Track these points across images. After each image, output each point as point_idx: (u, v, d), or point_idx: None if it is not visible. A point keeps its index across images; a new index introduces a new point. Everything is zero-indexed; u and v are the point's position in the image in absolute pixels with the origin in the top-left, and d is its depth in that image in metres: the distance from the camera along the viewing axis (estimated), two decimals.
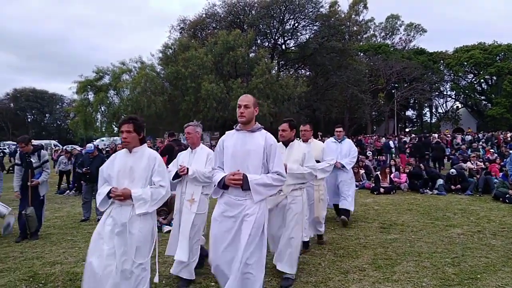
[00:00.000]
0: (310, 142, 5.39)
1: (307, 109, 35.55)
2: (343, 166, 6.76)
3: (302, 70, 41.23)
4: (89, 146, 8.91)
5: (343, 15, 41.15)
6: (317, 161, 5.02)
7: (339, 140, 7.05)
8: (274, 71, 32.28)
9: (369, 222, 7.16)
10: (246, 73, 29.39)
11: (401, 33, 50.70)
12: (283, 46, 38.59)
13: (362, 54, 44.86)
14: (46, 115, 73.89)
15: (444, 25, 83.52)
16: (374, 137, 25.12)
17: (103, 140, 34.86)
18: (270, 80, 28.37)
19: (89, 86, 33.42)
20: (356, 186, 12.11)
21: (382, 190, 10.99)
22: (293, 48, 39.19)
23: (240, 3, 35.57)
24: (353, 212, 7.38)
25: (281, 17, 35.23)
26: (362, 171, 12.82)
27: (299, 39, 37.66)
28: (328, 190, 6.33)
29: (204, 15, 36.99)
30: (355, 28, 44.65)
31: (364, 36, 50.02)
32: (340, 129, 7.13)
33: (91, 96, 33.89)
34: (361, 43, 47.04)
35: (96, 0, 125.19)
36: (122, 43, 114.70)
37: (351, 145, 7.05)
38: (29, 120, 72.31)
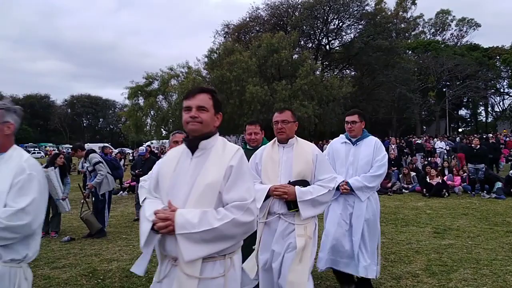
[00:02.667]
0: (293, 144, 3.00)
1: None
2: (353, 190, 3.67)
3: (347, 70, 40.53)
4: (142, 149, 9.35)
5: (389, 13, 39.93)
6: (305, 182, 2.85)
7: (353, 140, 3.90)
8: (318, 72, 31.99)
9: (421, 227, 6.90)
10: (290, 74, 29.33)
11: (452, 28, 48.46)
12: (327, 47, 38.14)
13: (410, 52, 43.28)
14: (100, 119, 78.24)
15: (499, 18, 78.52)
16: (425, 138, 24.08)
17: (152, 143, 36.30)
18: (314, 81, 28.15)
19: (140, 92, 34.98)
20: (406, 189, 11.80)
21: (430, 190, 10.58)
22: (337, 48, 38.65)
23: (284, 5, 35.63)
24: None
25: (325, 17, 34.85)
26: (413, 174, 12.35)
27: (343, 39, 37.12)
28: (324, 236, 3.76)
29: (247, 19, 37.44)
30: (402, 25, 43.09)
31: (413, 33, 48.19)
32: (354, 117, 3.90)
33: (141, 101, 35.51)
34: (409, 41, 45.37)
35: (145, 9, 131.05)
36: (170, 49, 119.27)
37: (379, 148, 3.84)
38: (84, 124, 76.96)
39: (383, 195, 10.97)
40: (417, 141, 19.59)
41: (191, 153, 1.95)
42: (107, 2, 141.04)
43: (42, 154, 42.10)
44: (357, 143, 3.88)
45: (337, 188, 3.56)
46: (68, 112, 72.84)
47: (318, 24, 35.39)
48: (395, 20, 39.99)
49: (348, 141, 3.92)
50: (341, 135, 4.09)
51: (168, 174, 1.94)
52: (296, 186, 2.77)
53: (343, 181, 3.69)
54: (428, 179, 10.98)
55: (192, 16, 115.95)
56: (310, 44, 37.08)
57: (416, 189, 11.59)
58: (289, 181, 2.82)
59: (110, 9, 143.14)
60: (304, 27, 34.30)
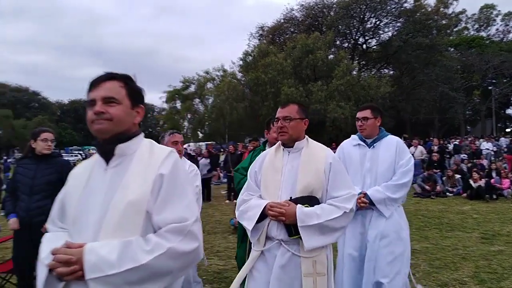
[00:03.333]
0: (302, 149, 2.30)
1: (391, 110, 33.86)
2: (373, 204, 2.92)
3: (385, 70, 39.44)
4: None
5: (430, 9, 38.51)
6: (313, 199, 2.15)
7: (368, 141, 3.15)
8: (355, 72, 31.41)
9: (468, 232, 6.57)
10: (326, 75, 28.99)
11: (497, 23, 45.83)
12: (364, 46, 37.35)
13: (452, 49, 41.45)
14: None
15: None
16: (470, 139, 23.00)
17: (189, 146, 37.17)
18: (351, 81, 27.69)
19: (177, 95, 36.00)
20: (450, 192, 11.28)
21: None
22: (375, 47, 37.77)
23: (318, 6, 35.26)
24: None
25: (362, 16, 34.16)
26: (457, 176, 11.80)
27: (381, 38, 36.20)
28: (344, 266, 2.98)
29: (282, 20, 37.33)
30: (444, 22, 41.41)
31: (455, 29, 46.17)
32: (366, 112, 3.18)
33: (178, 104, 36.49)
34: (451, 37, 43.54)
35: (181, 15, 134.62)
36: (206, 53, 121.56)
37: (402, 150, 3.09)
38: None
39: (425, 199, 10.59)
40: (455, 142, 18.71)
41: (105, 163, 1.42)
42: (146, 9, 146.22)
43: (80, 157, 43.87)
44: (374, 144, 3.09)
45: None
46: None
47: (354, 23, 34.75)
48: (435, 17, 38.49)
49: (363, 143, 3.13)
50: (352, 135, 3.29)
51: (75, 193, 1.41)
52: (298, 205, 2.08)
53: (360, 193, 2.90)
54: (472, 182, 10.48)
55: (227, 20, 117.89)
56: (346, 44, 36.49)
57: (461, 193, 11.09)
58: (290, 197, 2.14)
59: (149, 15, 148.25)
60: (340, 26, 33.76)
